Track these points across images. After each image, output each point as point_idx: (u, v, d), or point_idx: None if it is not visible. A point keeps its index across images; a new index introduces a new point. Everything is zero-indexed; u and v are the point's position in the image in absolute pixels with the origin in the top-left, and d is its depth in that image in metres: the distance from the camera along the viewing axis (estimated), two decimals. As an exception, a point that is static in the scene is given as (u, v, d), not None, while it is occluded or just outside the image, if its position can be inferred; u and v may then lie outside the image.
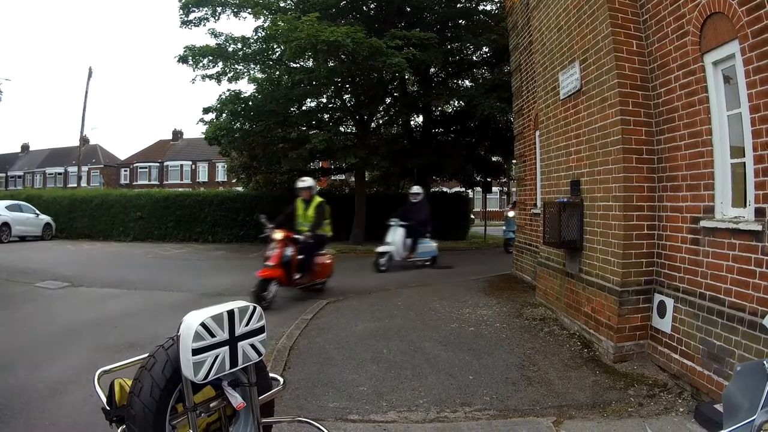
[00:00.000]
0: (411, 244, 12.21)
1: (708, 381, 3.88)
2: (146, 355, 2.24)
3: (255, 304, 2.27)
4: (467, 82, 20.34)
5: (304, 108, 18.64)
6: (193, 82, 24.65)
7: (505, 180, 28.93)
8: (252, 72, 17.89)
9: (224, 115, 16.80)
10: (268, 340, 4.91)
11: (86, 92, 36.64)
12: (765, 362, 1.72)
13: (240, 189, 25.97)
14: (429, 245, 12.63)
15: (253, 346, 2.22)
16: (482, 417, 3.83)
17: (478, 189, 23.75)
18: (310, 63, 17.43)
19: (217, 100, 16.89)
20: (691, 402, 3.94)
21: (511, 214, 15.83)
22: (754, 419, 1.58)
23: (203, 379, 2.04)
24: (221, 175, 46.45)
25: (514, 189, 24.33)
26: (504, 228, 17.80)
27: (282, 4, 17.15)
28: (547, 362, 4.98)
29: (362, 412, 3.90)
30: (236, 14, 17.13)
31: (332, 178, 26.20)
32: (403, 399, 4.15)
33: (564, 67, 6.12)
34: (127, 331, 6.22)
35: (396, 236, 12.01)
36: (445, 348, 5.45)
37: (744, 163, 3.76)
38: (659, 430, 3.51)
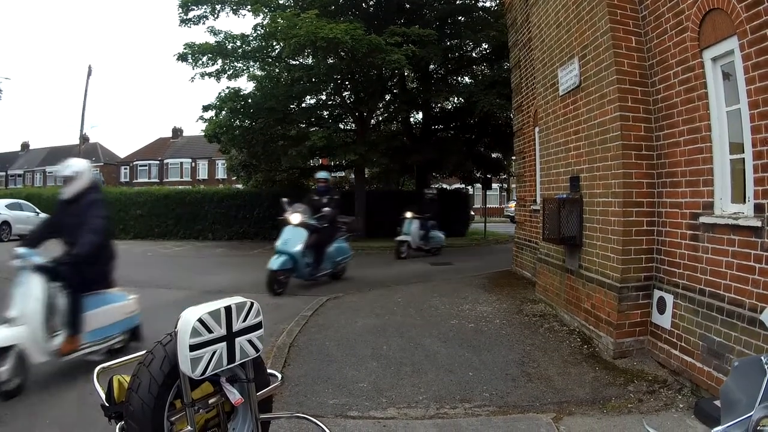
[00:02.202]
0: (70, 313, 4.54)
1: (708, 377, 3.88)
2: (144, 351, 2.24)
3: (252, 300, 2.27)
4: (467, 79, 20.32)
5: (303, 105, 18.62)
6: (193, 80, 24.68)
7: (504, 176, 28.92)
8: (251, 69, 17.85)
9: (224, 112, 16.79)
10: (267, 337, 4.92)
11: (86, 90, 36.28)
12: (762, 358, 1.72)
13: (240, 186, 25.98)
14: (118, 304, 5.14)
15: (250, 341, 2.23)
16: (482, 413, 3.83)
17: (478, 185, 23.71)
18: (309, 60, 17.41)
19: (217, 97, 16.88)
20: (691, 398, 3.94)
21: (408, 215, 14.13)
22: (751, 415, 1.58)
23: (201, 375, 2.05)
24: (221, 173, 46.39)
25: (514, 185, 24.28)
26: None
27: (281, 2, 17.11)
28: (546, 358, 4.98)
29: (362, 409, 3.91)
30: (235, 12, 17.12)
31: (332, 175, 26.19)
32: (402, 395, 4.15)
33: (563, 64, 6.10)
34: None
35: (28, 300, 4.33)
36: (444, 344, 5.46)
37: (743, 159, 3.76)
38: (659, 426, 3.51)
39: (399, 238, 13.93)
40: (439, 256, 14.38)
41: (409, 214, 14.15)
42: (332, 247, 9.73)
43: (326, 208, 9.45)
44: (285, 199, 9.55)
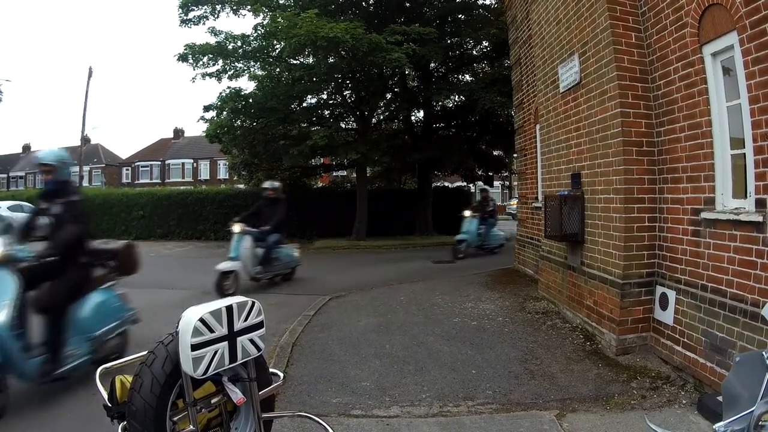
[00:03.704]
0: None
1: (711, 373, 3.88)
2: (146, 351, 2.25)
3: (253, 300, 2.28)
4: (467, 77, 20.25)
5: (304, 104, 18.60)
6: (194, 81, 25.02)
7: (506, 174, 28.90)
8: (252, 69, 17.83)
9: (225, 112, 16.80)
10: (270, 336, 4.92)
11: (87, 92, 36.43)
12: (764, 353, 1.72)
13: (242, 186, 25.98)
14: None
15: (252, 341, 2.23)
16: (485, 411, 3.83)
17: (480, 183, 23.67)
18: (310, 59, 17.39)
19: (218, 97, 16.89)
20: (694, 394, 3.93)
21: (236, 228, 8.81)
22: (753, 410, 1.58)
23: (203, 375, 2.05)
24: (223, 173, 46.48)
25: (516, 183, 24.21)
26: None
27: (281, 1, 17.10)
28: (549, 356, 4.98)
29: (365, 407, 3.91)
30: (235, 12, 17.12)
31: (334, 174, 26.20)
32: (406, 394, 4.16)
33: (563, 60, 6.09)
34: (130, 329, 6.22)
35: None
36: (447, 342, 5.46)
37: (744, 154, 3.75)
38: (662, 422, 3.51)
39: (221, 266, 8.38)
40: (292, 281, 9.87)
41: (237, 228, 8.86)
42: (87, 308, 4.46)
43: (63, 225, 4.25)
44: None
